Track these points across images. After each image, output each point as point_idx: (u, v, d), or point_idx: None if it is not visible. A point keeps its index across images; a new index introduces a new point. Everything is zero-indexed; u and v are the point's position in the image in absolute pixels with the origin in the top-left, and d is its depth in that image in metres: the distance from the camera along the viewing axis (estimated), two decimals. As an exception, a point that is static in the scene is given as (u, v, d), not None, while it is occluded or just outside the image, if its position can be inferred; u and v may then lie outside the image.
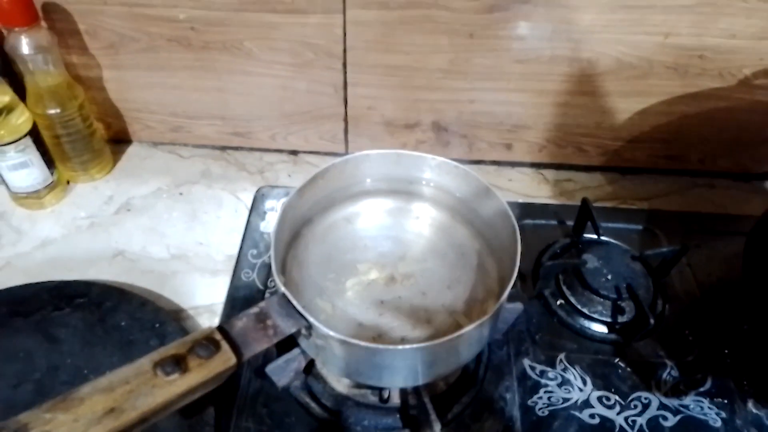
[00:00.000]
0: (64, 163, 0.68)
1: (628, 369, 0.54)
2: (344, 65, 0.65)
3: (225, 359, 0.37)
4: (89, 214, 0.67)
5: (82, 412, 0.32)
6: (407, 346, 0.41)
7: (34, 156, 0.62)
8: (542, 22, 0.59)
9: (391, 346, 0.41)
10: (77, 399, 0.33)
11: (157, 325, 0.54)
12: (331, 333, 0.40)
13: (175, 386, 0.35)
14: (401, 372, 0.44)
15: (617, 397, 0.52)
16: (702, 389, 0.53)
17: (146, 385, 0.34)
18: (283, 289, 0.42)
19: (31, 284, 0.56)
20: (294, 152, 0.75)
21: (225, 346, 0.38)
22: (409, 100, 0.68)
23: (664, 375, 0.54)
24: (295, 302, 0.42)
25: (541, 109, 0.68)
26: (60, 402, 0.33)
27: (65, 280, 0.57)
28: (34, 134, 0.62)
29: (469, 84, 0.65)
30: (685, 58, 0.62)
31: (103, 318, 0.55)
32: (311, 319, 0.41)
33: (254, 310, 0.42)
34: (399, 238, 0.55)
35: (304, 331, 0.43)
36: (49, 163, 0.65)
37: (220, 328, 0.39)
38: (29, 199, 0.65)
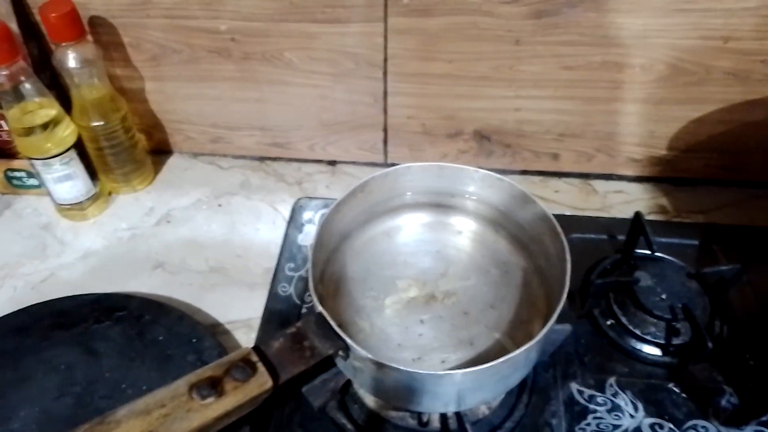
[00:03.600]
0: (107, 175, 0.69)
1: (683, 395, 0.51)
2: (384, 74, 0.63)
3: (261, 382, 0.36)
4: (130, 226, 0.67)
5: (117, 436, 0.32)
6: (449, 372, 0.39)
7: (78, 168, 0.63)
8: (592, 27, 0.57)
9: (432, 372, 0.40)
10: (114, 422, 0.32)
11: (194, 340, 0.54)
12: (369, 356, 0.39)
13: (211, 410, 0.34)
14: (442, 397, 0.43)
15: (671, 425, 0.49)
16: (765, 418, 0.49)
17: (182, 409, 0.34)
18: (320, 308, 0.41)
19: (72, 297, 0.57)
20: (332, 162, 0.75)
21: (261, 368, 0.37)
22: (450, 108, 0.66)
23: (723, 402, 0.50)
24: (332, 323, 0.40)
25: (591, 117, 0.65)
26: (97, 425, 0.32)
27: (106, 293, 0.57)
28: (79, 147, 0.62)
29: (513, 92, 0.63)
30: (746, 63, 0.58)
31: (142, 332, 0.55)
32: (349, 341, 0.40)
33: (291, 330, 0.40)
34: (440, 253, 0.53)
35: (341, 353, 0.42)
36: (92, 174, 0.65)
37: (257, 349, 0.39)
38: (73, 210, 0.66)
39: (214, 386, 0.35)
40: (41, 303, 0.56)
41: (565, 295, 0.42)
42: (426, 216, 0.55)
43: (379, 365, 0.40)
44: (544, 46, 0.59)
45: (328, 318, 0.40)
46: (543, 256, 0.50)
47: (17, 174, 0.67)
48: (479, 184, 0.52)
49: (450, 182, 0.53)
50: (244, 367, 0.36)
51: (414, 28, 0.59)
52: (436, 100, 0.65)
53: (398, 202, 0.54)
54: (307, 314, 0.45)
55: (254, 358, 0.38)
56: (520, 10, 0.56)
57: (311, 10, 0.59)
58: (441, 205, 0.55)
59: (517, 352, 0.40)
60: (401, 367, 0.39)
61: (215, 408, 0.34)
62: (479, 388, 0.43)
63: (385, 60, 0.62)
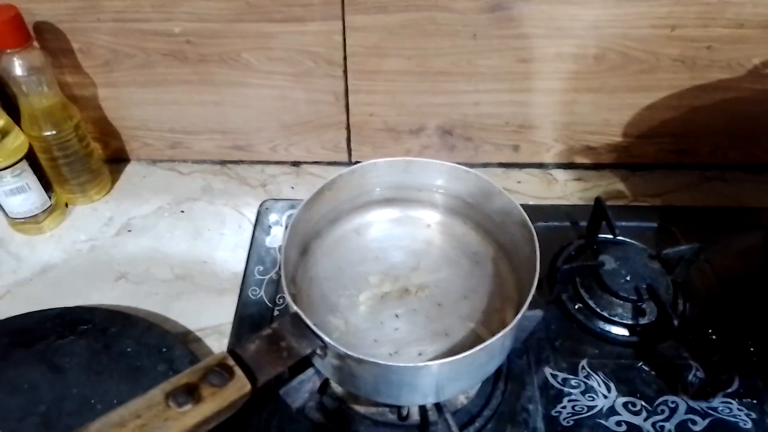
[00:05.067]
0: (62, 186, 0.66)
1: (653, 372, 0.53)
2: (345, 72, 0.63)
3: (239, 386, 0.36)
4: (89, 237, 0.65)
5: (92, 451, 0.31)
6: (427, 363, 0.39)
7: (31, 180, 0.60)
8: (545, 19, 0.58)
9: (410, 364, 0.40)
10: (87, 437, 0.31)
11: (165, 350, 0.52)
12: (348, 352, 0.39)
13: (189, 417, 0.33)
14: (421, 389, 0.43)
15: (643, 403, 0.51)
16: (730, 390, 0.51)
17: (158, 418, 0.33)
18: (295, 308, 0.41)
19: (32, 313, 0.55)
20: (296, 163, 0.74)
21: (239, 372, 0.36)
22: (412, 105, 0.66)
23: (690, 377, 0.52)
24: (308, 322, 0.40)
25: (548, 109, 0.67)
26: (69, 441, 0.31)
27: (68, 307, 0.55)
28: (31, 158, 0.60)
29: (473, 86, 0.64)
30: (692, 50, 0.60)
31: (109, 344, 0.53)
32: (326, 339, 0.39)
33: (267, 331, 0.40)
34: (410, 247, 0.54)
35: (319, 351, 0.41)
36: (47, 186, 0.63)
37: (233, 353, 0.38)
38: (27, 224, 0.64)
39: (190, 393, 0.34)
40: (-2, 322, 0.54)
41: (536, 282, 0.43)
42: (394, 211, 0.55)
43: (357, 361, 0.39)
44: (500, 40, 0.60)
45: (304, 317, 0.40)
46: (511, 245, 0.51)
47: (-35, 189, 0.64)
48: (446, 177, 0.53)
49: (417, 177, 0.53)
50: (221, 372, 0.36)
51: (372, 25, 0.59)
52: (398, 96, 0.66)
53: (366, 198, 0.54)
54: (282, 315, 0.45)
55: (230, 362, 0.37)
56: (475, 4, 0.57)
57: (268, 9, 0.58)
58: (409, 199, 0.55)
59: (493, 339, 0.40)
60: (379, 362, 0.39)
61: (193, 415, 0.33)
62: (457, 378, 0.43)
63: (345, 58, 0.62)
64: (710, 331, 0.56)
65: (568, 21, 0.58)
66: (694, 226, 0.64)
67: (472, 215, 0.54)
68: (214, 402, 0.34)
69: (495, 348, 0.43)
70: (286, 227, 0.46)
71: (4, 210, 0.62)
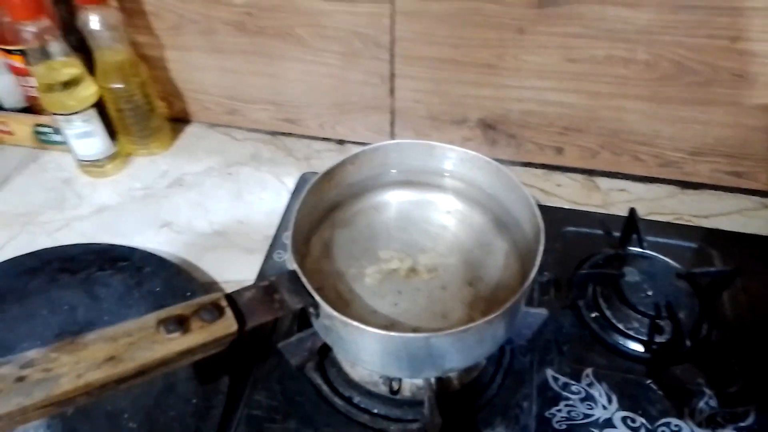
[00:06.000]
0: (127, 137, 0.72)
1: (660, 392, 0.51)
2: (391, 56, 0.65)
3: (227, 325, 0.39)
4: (144, 186, 0.71)
5: (84, 356, 0.34)
6: (407, 335, 0.41)
7: (98, 126, 0.67)
8: (596, 20, 0.57)
9: (391, 333, 0.41)
10: (82, 344, 0.35)
11: (189, 294, 0.56)
12: (334, 313, 0.41)
13: (175, 344, 0.37)
14: (403, 361, 0.44)
15: (644, 420, 0.49)
16: (743, 424, 0.49)
17: (147, 340, 0.36)
18: (295, 265, 0.43)
19: (81, 244, 0.61)
20: (341, 142, 0.76)
21: (229, 312, 0.39)
22: (456, 95, 0.67)
23: (701, 404, 0.50)
24: (303, 279, 0.42)
25: (595, 113, 0.65)
26: (67, 344, 0.35)
27: (112, 244, 0.61)
28: (100, 107, 0.66)
29: (518, 81, 0.64)
30: (755, 66, 0.57)
31: (141, 282, 0.58)
32: (317, 298, 0.41)
33: (264, 282, 0.43)
34: (426, 230, 0.54)
35: (312, 310, 0.44)
36: (112, 134, 0.69)
37: (228, 296, 0.41)
38: (93, 167, 0.70)
39: (181, 323, 0.37)
40: (52, 248, 0.60)
41: (533, 275, 0.43)
42: (415, 194, 0.56)
43: (344, 324, 0.41)
44: (548, 37, 0.59)
45: (300, 274, 0.42)
46: (524, 241, 0.51)
47: (44, 129, 0.72)
48: (468, 166, 0.53)
49: (440, 161, 0.54)
50: (213, 310, 0.39)
51: (420, 10, 0.60)
52: (442, 85, 0.66)
53: (388, 178, 0.55)
54: (283, 271, 0.47)
55: (223, 303, 0.40)
56: (524, -2, 0.57)
57: (323, -13, 0.61)
58: (430, 184, 0.56)
59: (479, 322, 0.40)
60: (363, 327, 0.40)
61: (179, 342, 0.37)
62: (442, 356, 0.44)
63: (392, 42, 0.63)
64: (733, 360, 0.53)
65: (619, 23, 0.57)
66: (736, 252, 0.61)
67: (490, 206, 0.54)
68: (201, 335, 0.37)
69: (484, 332, 0.43)
70: (305, 191, 0.49)
71: (73, 152, 0.69)
